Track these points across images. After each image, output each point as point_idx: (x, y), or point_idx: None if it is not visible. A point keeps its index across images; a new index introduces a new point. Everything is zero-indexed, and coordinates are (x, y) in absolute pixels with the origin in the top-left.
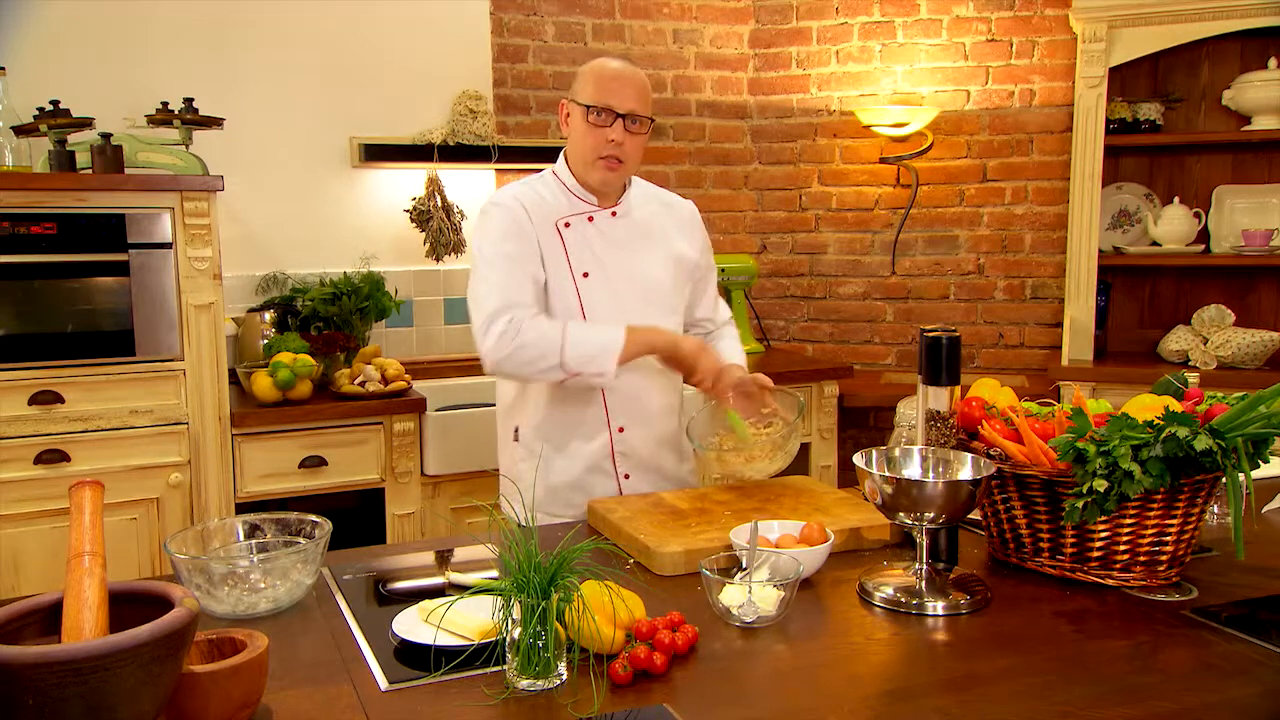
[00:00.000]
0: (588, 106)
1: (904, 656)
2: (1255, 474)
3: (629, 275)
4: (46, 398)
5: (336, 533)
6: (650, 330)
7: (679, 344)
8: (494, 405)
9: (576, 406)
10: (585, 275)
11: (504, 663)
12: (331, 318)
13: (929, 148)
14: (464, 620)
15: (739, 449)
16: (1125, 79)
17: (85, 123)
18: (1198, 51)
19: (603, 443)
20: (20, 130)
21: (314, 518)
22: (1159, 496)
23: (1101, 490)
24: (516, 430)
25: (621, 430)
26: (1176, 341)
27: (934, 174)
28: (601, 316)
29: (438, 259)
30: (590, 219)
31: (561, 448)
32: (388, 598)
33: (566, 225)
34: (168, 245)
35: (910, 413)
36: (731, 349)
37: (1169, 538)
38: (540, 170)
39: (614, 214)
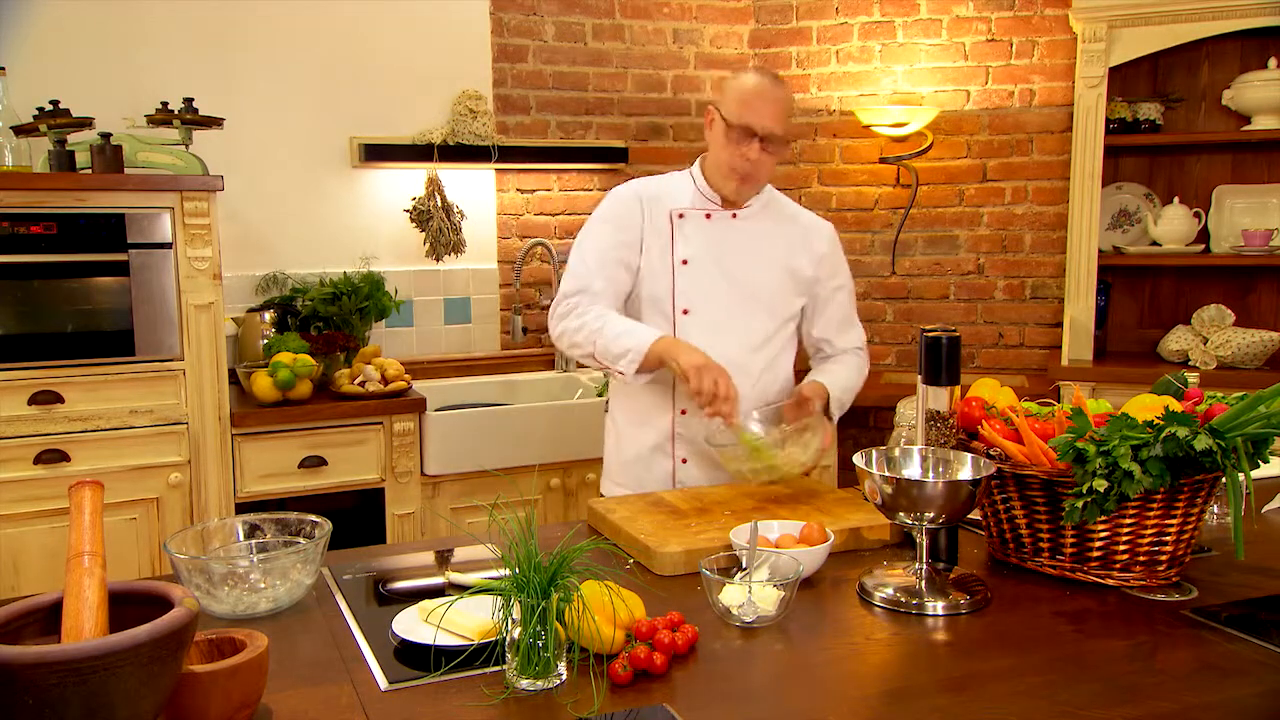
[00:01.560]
0: (728, 124)
1: (904, 656)
2: (1255, 474)
3: (729, 272)
4: (46, 398)
5: (336, 533)
6: (670, 340)
7: (678, 354)
8: (493, 406)
9: (650, 385)
10: (684, 262)
11: (504, 663)
12: (331, 318)
13: (929, 148)
14: (464, 620)
15: (748, 457)
16: (1125, 79)
17: (85, 123)
18: (1198, 51)
19: (666, 424)
20: (20, 130)
21: (314, 518)
22: (1159, 496)
23: (1101, 490)
24: (608, 403)
25: (684, 413)
26: (1176, 341)
27: (934, 174)
28: (694, 305)
29: (438, 259)
30: (708, 215)
31: (634, 424)
32: (388, 598)
33: (681, 216)
34: (167, 245)
35: (910, 413)
36: (831, 370)
37: (1169, 537)
38: (540, 170)
39: (734, 215)
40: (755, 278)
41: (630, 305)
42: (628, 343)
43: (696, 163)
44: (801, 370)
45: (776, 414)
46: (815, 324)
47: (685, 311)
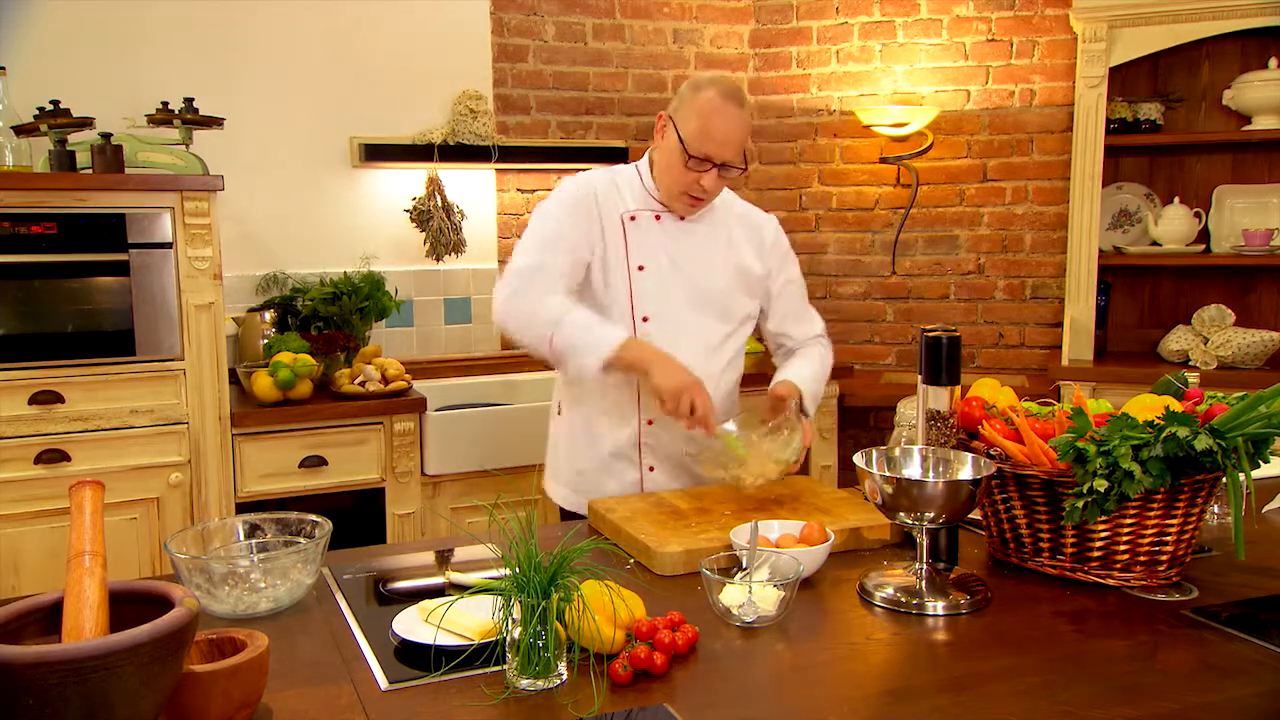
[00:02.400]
0: (686, 150)
1: (904, 656)
2: (1255, 474)
3: (685, 275)
4: (47, 397)
5: (336, 533)
6: (645, 349)
7: (652, 371)
8: (493, 406)
9: (612, 392)
10: (640, 268)
11: (504, 662)
12: (331, 317)
13: (929, 147)
14: (464, 620)
15: (729, 461)
16: (1125, 79)
17: (85, 122)
18: (1198, 51)
19: (631, 432)
20: (20, 130)
21: (314, 517)
22: (1159, 496)
23: (1102, 490)
24: (559, 405)
25: (650, 423)
26: (1177, 341)
27: (934, 174)
28: (651, 311)
29: (438, 259)
30: (658, 217)
31: (593, 430)
32: (388, 597)
33: (632, 219)
34: (168, 245)
35: (910, 412)
36: (796, 366)
37: (1169, 537)
38: (540, 170)
39: (682, 217)
40: (709, 279)
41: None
42: (596, 336)
43: (645, 159)
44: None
45: (753, 416)
46: (770, 318)
47: (645, 319)
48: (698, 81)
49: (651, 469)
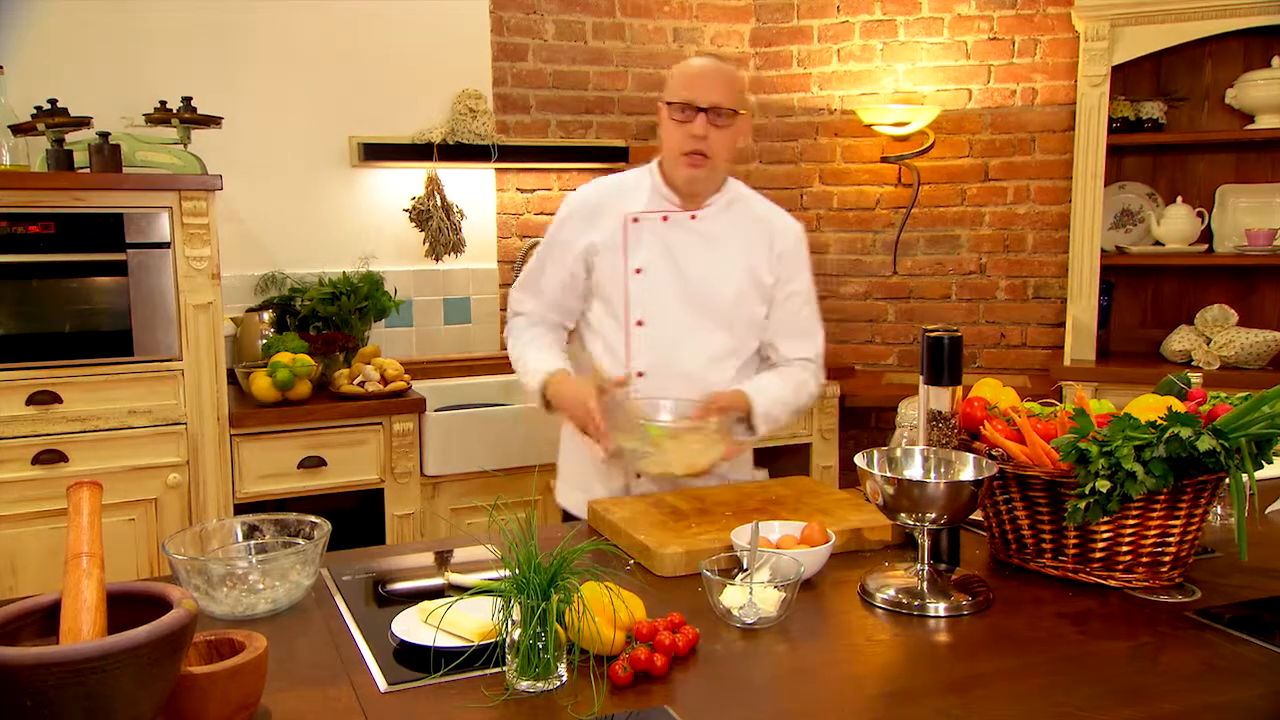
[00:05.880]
0: (670, 104)
1: (905, 658)
2: (1259, 475)
3: (686, 278)
4: (44, 398)
5: (336, 533)
6: (558, 389)
7: (556, 407)
8: (493, 406)
9: None
10: (638, 271)
11: (504, 664)
12: (330, 318)
13: (930, 147)
14: (464, 621)
15: (641, 439)
16: (1128, 78)
17: (83, 122)
18: (1200, 50)
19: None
20: (18, 129)
21: (313, 518)
22: (1162, 497)
23: (1104, 491)
24: None
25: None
26: (1179, 341)
27: (935, 173)
28: (648, 315)
29: (437, 259)
30: (665, 218)
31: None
32: (387, 598)
33: (635, 220)
34: (166, 245)
35: (912, 413)
36: (765, 380)
37: (1172, 539)
38: (540, 169)
39: (693, 216)
40: (714, 285)
41: (589, 313)
42: (530, 385)
43: (655, 160)
44: None
45: (688, 410)
46: (767, 329)
47: (640, 323)
48: None
49: (639, 476)
